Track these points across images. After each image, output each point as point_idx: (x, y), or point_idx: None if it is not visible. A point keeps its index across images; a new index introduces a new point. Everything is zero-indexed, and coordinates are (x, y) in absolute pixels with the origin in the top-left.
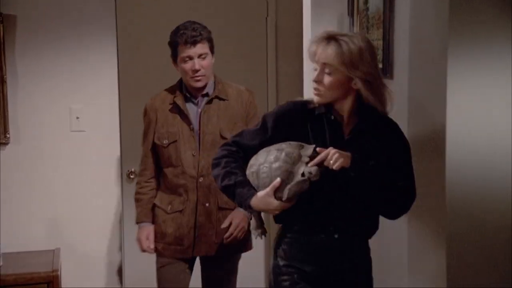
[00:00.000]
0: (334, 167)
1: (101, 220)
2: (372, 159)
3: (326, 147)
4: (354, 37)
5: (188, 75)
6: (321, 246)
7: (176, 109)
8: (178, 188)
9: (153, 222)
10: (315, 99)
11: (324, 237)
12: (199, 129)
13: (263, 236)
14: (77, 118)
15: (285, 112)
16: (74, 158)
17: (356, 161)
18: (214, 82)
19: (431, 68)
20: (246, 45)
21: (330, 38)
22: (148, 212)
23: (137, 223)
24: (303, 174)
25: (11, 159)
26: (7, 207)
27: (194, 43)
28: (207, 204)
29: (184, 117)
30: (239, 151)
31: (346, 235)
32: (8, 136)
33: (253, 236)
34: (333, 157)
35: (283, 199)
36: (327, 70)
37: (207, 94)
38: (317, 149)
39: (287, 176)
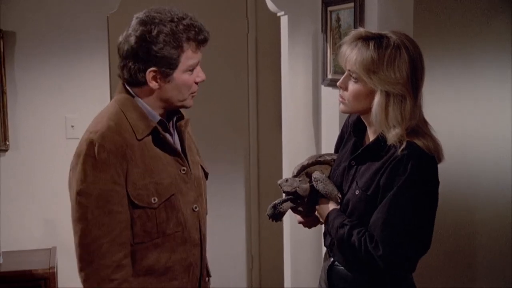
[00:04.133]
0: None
1: None
2: (360, 190)
3: (345, 155)
4: (391, 38)
5: (188, 91)
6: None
7: (159, 144)
8: (170, 268)
9: None
10: (339, 107)
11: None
12: (189, 168)
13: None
14: (72, 126)
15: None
16: (69, 163)
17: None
18: None
19: None
20: (229, 58)
21: (359, 38)
22: None
23: None
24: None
25: (11, 165)
26: (7, 209)
27: (205, 42)
28: (206, 279)
29: (174, 154)
30: None
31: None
32: (7, 143)
33: None
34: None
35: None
36: (353, 76)
37: (179, 115)
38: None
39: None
